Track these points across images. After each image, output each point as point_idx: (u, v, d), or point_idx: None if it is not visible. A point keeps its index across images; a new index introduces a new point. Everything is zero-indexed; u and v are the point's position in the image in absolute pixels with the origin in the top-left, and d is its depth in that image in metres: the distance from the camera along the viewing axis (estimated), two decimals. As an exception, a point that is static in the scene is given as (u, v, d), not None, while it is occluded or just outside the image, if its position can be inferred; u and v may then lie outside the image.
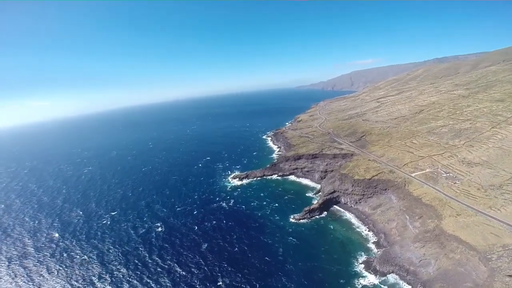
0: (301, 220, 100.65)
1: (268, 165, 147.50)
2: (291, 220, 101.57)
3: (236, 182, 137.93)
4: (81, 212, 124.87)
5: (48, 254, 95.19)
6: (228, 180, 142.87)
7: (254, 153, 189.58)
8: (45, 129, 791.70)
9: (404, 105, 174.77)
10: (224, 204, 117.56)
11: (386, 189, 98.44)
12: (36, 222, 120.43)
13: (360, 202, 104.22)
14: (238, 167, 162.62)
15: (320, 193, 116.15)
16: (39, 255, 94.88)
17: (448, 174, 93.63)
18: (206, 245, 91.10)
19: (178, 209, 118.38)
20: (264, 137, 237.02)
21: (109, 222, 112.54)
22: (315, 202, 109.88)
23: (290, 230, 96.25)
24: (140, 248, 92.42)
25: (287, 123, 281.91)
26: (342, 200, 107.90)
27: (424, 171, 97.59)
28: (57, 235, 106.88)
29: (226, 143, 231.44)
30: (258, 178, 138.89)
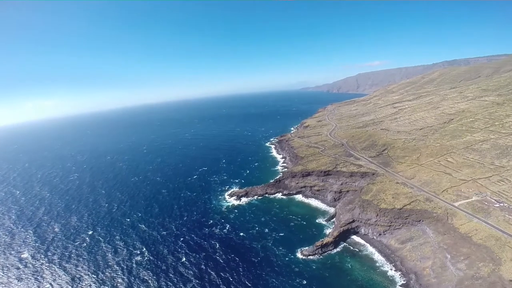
0: (311, 256, 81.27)
1: (271, 181, 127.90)
2: (299, 255, 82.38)
3: (234, 201, 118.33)
4: (59, 228, 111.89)
5: (13, 276, 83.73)
6: (225, 197, 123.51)
7: (256, 164, 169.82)
8: (46, 127, 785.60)
9: (427, 113, 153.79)
10: (218, 230, 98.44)
11: (420, 220, 78.52)
12: (9, 237, 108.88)
13: (385, 234, 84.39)
14: (236, 181, 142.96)
15: (333, 219, 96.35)
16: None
17: (502, 204, 73.36)
18: (196, 282, 74.20)
19: (164, 232, 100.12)
20: (267, 144, 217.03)
21: (87, 243, 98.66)
22: (328, 232, 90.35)
23: (298, 269, 77.32)
24: (118, 279, 78.18)
25: (292, 129, 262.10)
26: (362, 230, 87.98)
27: (469, 200, 77.11)
28: (27, 254, 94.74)
29: (226, 150, 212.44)
30: (260, 197, 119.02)
